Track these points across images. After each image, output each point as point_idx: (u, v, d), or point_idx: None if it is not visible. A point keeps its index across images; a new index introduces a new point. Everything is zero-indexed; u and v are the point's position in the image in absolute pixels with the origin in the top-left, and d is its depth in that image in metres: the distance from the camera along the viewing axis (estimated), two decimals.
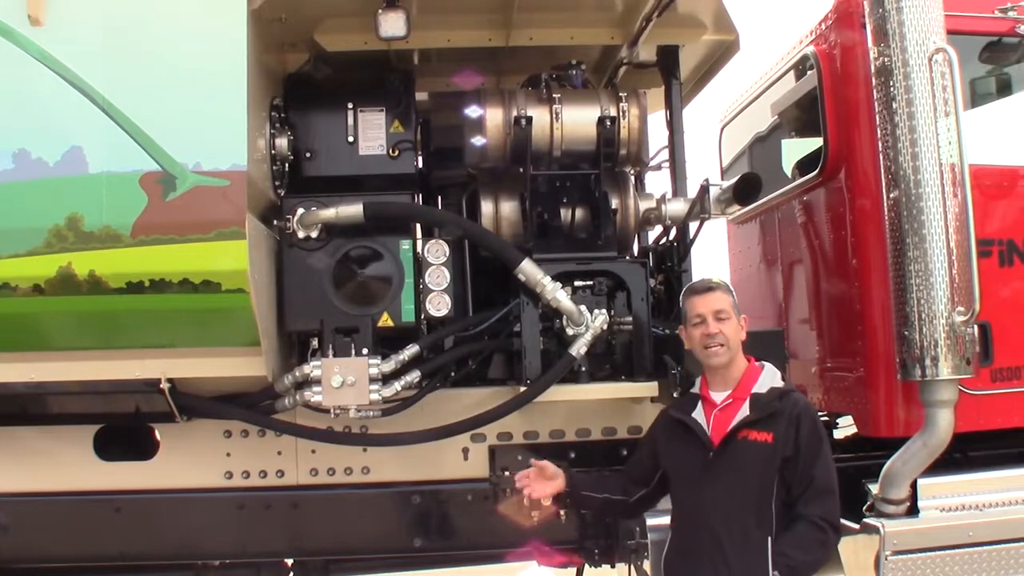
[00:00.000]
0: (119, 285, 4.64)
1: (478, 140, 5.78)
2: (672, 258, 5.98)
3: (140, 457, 5.66)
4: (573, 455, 5.69)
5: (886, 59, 5.22)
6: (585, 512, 5.54)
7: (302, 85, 5.73)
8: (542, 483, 4.91)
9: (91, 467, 5.60)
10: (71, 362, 4.96)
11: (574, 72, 6.05)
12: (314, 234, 5.29)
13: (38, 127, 4.62)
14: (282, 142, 5.40)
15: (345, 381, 5.08)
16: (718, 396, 4.60)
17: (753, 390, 4.53)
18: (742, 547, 4.36)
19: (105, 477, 5.62)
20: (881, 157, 5.32)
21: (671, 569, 4.70)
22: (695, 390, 4.74)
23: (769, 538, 4.34)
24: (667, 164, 6.29)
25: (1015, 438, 5.73)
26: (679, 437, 4.68)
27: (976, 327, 5.14)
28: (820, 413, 6.23)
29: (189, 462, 5.65)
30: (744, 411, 4.49)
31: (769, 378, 4.57)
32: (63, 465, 5.60)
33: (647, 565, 5.17)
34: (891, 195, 5.26)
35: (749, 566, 4.35)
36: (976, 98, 5.86)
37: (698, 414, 4.62)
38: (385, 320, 5.34)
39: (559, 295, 5.29)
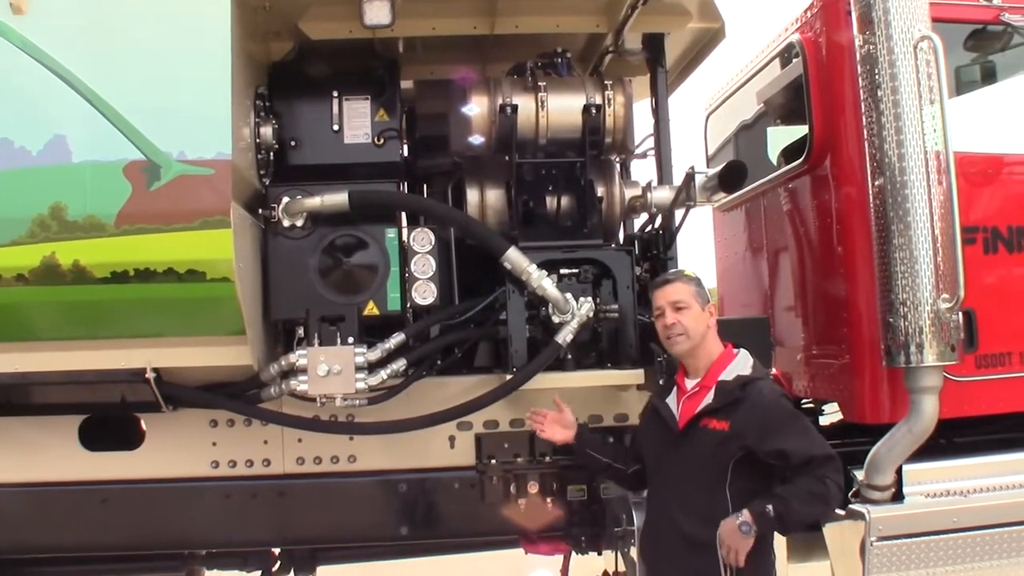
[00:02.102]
0: (103, 275, 4.62)
1: (465, 128, 5.77)
2: (658, 246, 5.98)
3: (126, 447, 5.64)
4: None
5: (871, 47, 5.22)
6: (586, 470, 5.55)
7: (287, 74, 5.70)
8: (555, 428, 5.09)
9: (76, 457, 5.58)
10: (56, 352, 4.94)
11: (559, 60, 6.04)
12: (299, 223, 5.28)
13: (21, 116, 4.59)
14: (267, 131, 5.37)
15: (331, 370, 5.08)
16: (689, 383, 4.72)
17: (720, 377, 4.60)
18: (696, 530, 4.45)
19: (91, 467, 5.60)
20: (866, 145, 5.33)
21: (642, 549, 4.88)
22: (675, 376, 4.85)
23: (722, 522, 4.42)
24: (653, 152, 6.29)
25: (999, 424, 5.76)
26: (653, 422, 4.85)
27: (961, 314, 5.17)
28: (805, 400, 6.29)
29: (175, 452, 5.63)
30: (708, 399, 4.58)
31: (739, 366, 4.64)
32: (48, 456, 5.58)
33: (634, 552, 5.18)
34: (876, 183, 5.27)
35: (700, 549, 4.44)
36: (961, 86, 5.87)
37: (671, 400, 4.77)
38: (371, 308, 5.33)
39: (545, 283, 5.29)
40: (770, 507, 4.31)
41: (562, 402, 5.21)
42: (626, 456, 5.07)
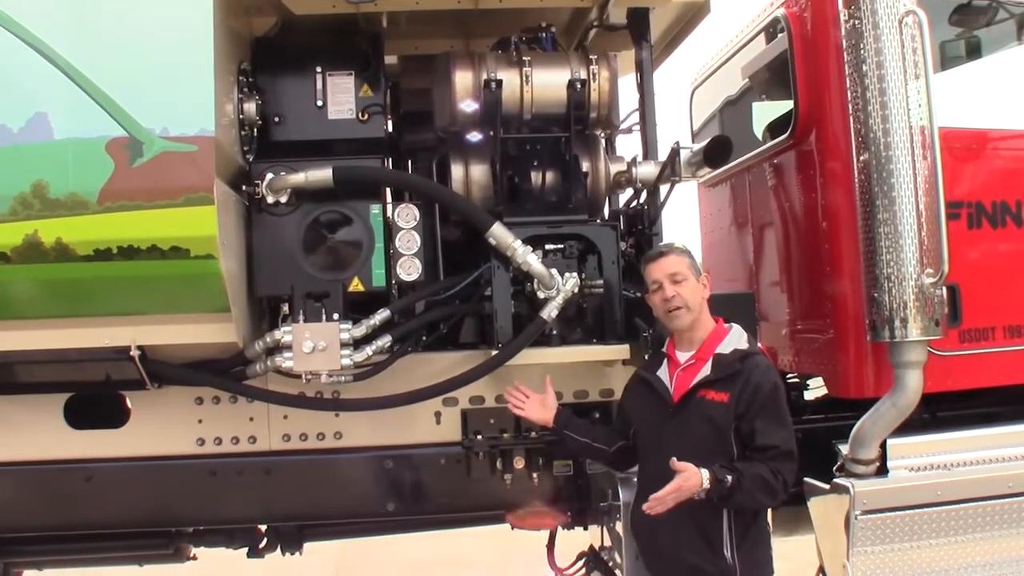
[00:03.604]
0: (86, 252, 4.60)
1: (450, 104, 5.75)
2: (643, 221, 5.97)
3: (111, 425, 5.63)
4: None
5: (856, 22, 5.22)
6: (566, 451, 5.55)
7: (270, 49, 5.66)
8: (535, 407, 5.12)
9: (62, 436, 5.56)
10: (39, 330, 4.92)
11: (544, 35, 6.01)
12: (283, 199, 5.25)
13: (1, 93, 4.55)
14: (250, 107, 5.34)
15: (316, 346, 5.07)
16: (682, 356, 4.74)
17: (717, 350, 4.63)
18: (696, 502, 4.43)
19: (76, 446, 5.59)
20: (851, 120, 5.33)
21: (635, 523, 4.85)
22: (664, 349, 4.86)
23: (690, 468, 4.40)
24: (638, 127, 6.28)
25: (982, 398, 5.80)
26: (644, 395, 4.85)
27: (945, 289, 5.19)
28: (790, 375, 6.31)
29: (160, 429, 5.62)
30: (705, 371, 4.61)
31: (734, 340, 4.67)
32: (33, 434, 5.56)
33: (619, 527, 5.20)
34: (861, 158, 5.28)
35: (701, 520, 4.47)
36: (946, 61, 5.87)
37: (663, 372, 4.78)
38: (355, 285, 5.31)
39: (530, 259, 5.29)
40: (729, 478, 4.31)
41: (549, 384, 5.22)
42: (609, 435, 5.08)
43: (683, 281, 4.67)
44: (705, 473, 4.29)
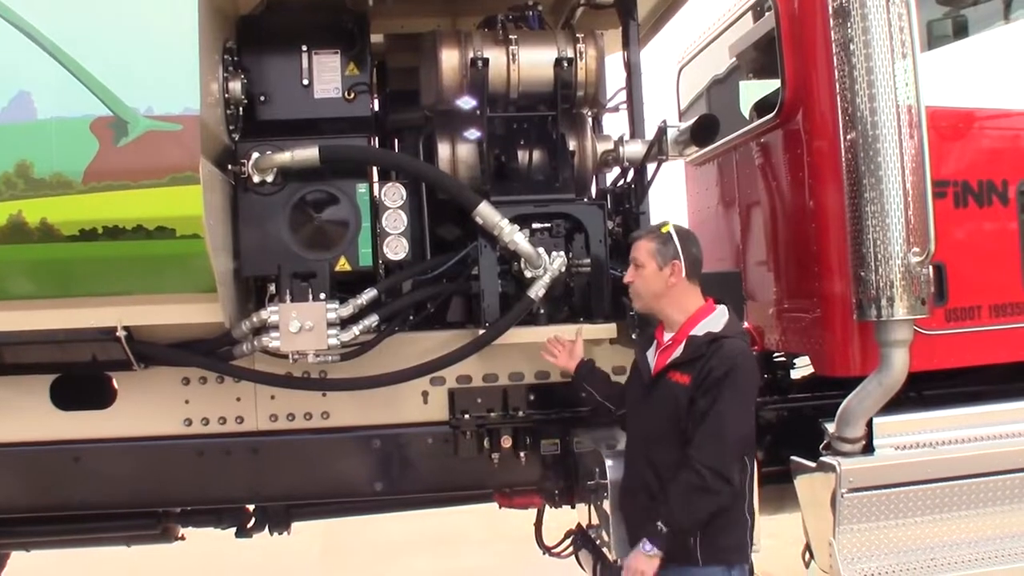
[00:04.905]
0: (72, 232, 4.57)
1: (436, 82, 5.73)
2: (630, 200, 5.97)
3: (98, 406, 5.62)
4: (533, 397, 5.72)
5: (844, 0, 5.21)
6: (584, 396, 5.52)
7: (256, 27, 5.63)
8: (564, 356, 5.29)
9: (48, 417, 5.55)
10: (25, 311, 4.90)
11: (531, 13, 5.98)
12: (270, 178, 5.23)
13: None
14: (235, 85, 5.30)
15: (303, 326, 5.06)
16: (665, 337, 4.78)
17: (691, 332, 4.63)
18: (654, 482, 4.54)
19: (63, 426, 5.58)
20: (838, 98, 5.32)
21: (620, 500, 4.95)
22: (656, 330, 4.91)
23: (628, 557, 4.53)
24: (625, 106, 6.27)
25: (968, 377, 5.81)
26: (634, 374, 4.98)
27: (931, 268, 5.20)
28: (777, 354, 6.32)
29: (147, 410, 5.62)
30: (677, 352, 4.63)
31: (711, 323, 4.66)
32: (20, 415, 5.55)
33: (607, 505, 5.22)
34: (848, 136, 5.27)
35: (659, 500, 4.49)
36: (933, 40, 5.86)
37: (650, 352, 4.83)
38: (342, 264, 5.30)
39: (517, 237, 5.28)
40: (660, 524, 4.37)
41: (581, 336, 5.34)
42: (619, 398, 5.14)
43: (640, 268, 4.71)
44: (643, 546, 4.41)
